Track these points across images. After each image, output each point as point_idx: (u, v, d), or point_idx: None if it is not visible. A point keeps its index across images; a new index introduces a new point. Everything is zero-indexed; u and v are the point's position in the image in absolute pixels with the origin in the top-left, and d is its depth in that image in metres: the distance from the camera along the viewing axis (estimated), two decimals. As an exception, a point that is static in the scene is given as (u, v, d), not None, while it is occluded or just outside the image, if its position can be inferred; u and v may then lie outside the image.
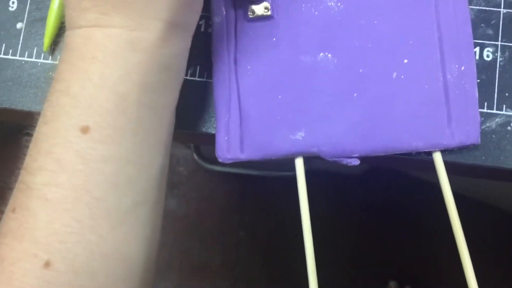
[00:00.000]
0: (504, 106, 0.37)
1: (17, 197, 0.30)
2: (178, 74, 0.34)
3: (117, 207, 0.31)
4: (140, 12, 0.30)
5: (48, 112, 0.31)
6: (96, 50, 0.30)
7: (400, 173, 1.03)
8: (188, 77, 0.40)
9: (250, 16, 0.38)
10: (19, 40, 0.42)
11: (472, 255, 0.35)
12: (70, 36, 0.32)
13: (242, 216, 1.20)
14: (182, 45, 0.34)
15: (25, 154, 0.31)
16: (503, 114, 0.36)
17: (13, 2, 0.43)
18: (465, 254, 0.35)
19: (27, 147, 0.31)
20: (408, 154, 0.36)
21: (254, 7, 0.38)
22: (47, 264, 0.28)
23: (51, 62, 0.42)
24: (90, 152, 0.30)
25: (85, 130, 0.30)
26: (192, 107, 0.40)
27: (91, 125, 0.30)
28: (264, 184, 1.18)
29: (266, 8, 0.38)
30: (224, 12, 0.39)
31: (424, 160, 0.36)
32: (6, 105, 0.42)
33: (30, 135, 0.32)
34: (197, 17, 0.35)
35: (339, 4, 0.38)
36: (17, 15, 0.43)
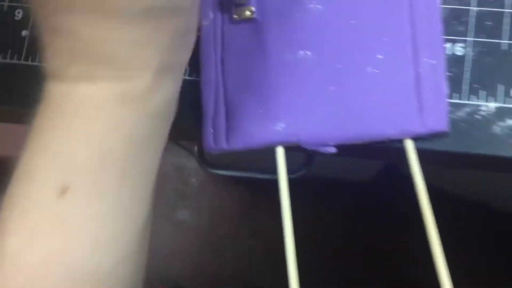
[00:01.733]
0: (473, 96, 0.39)
1: None
2: (168, 119, 0.32)
3: (97, 269, 0.28)
4: (127, 62, 0.28)
5: (23, 169, 0.28)
6: (80, 104, 0.28)
7: (408, 180, 1.04)
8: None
9: (236, 18, 0.41)
10: (24, 46, 0.46)
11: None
12: (51, 88, 0.29)
13: (253, 225, 1.21)
14: (173, 88, 0.32)
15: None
16: (471, 104, 0.39)
17: (18, 12, 0.46)
18: (436, 244, 0.37)
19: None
20: (382, 142, 0.39)
21: (239, 10, 0.41)
22: None
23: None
24: (69, 214, 0.27)
25: (64, 190, 0.27)
26: (181, 104, 0.43)
27: (72, 184, 0.27)
28: (275, 193, 1.19)
29: (250, 11, 0.41)
30: (212, 16, 0.42)
31: (398, 149, 0.38)
32: (12, 107, 0.45)
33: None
34: (189, 53, 0.32)
35: (318, 6, 0.41)
36: (22, 24, 0.46)
